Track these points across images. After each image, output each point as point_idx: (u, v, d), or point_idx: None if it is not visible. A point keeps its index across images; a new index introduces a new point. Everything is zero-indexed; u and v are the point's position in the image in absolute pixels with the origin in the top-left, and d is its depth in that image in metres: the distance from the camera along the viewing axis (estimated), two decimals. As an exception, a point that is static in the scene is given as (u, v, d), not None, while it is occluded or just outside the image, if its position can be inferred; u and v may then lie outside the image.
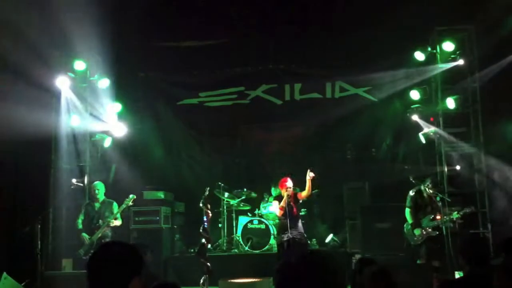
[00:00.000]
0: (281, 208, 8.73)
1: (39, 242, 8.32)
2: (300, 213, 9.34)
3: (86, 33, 9.85)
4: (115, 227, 8.78)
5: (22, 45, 9.55)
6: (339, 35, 10.66)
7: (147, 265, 5.28)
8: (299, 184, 9.02)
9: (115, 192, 9.72)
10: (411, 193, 8.83)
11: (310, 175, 8.59)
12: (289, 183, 8.80)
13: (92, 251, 8.35)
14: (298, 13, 10.42)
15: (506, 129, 9.98)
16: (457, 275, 7.79)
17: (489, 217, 9.93)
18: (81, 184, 10.42)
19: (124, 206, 8.85)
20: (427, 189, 8.66)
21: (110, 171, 11.17)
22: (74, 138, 10.79)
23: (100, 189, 8.95)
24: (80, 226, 8.79)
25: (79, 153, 10.82)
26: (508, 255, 4.42)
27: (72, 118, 10.59)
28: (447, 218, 8.39)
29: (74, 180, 10.43)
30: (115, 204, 8.91)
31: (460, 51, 10.32)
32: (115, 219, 8.69)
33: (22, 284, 8.58)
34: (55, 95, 10.69)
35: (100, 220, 8.66)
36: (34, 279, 8.73)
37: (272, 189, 10.90)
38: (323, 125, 12.08)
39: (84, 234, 8.62)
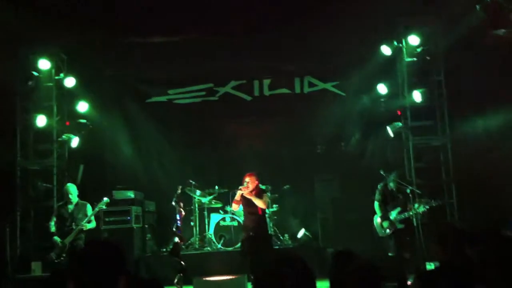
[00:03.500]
0: (235, 202, 8.56)
1: (8, 246, 8.12)
2: (267, 210, 9.14)
3: (52, 31, 9.66)
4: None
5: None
6: (306, 30, 10.68)
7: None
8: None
9: (84, 193, 9.55)
10: (379, 186, 8.94)
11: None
12: (248, 178, 8.46)
13: (64, 254, 8.23)
14: (266, 8, 10.39)
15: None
16: (428, 266, 7.93)
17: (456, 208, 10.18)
18: (49, 185, 10.22)
19: (97, 209, 8.72)
20: (394, 181, 8.76)
21: (78, 172, 10.98)
22: (40, 138, 10.58)
23: (72, 191, 8.77)
24: (53, 229, 8.58)
25: (45, 154, 10.61)
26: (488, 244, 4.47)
27: (37, 118, 10.35)
28: (415, 211, 8.50)
29: (40, 182, 10.23)
30: (88, 206, 8.73)
31: (425, 45, 10.48)
32: (89, 222, 8.54)
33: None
34: (20, 95, 10.47)
35: (73, 223, 8.47)
36: (4, 283, 8.54)
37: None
38: (292, 120, 12.14)
39: (55, 238, 8.43)
